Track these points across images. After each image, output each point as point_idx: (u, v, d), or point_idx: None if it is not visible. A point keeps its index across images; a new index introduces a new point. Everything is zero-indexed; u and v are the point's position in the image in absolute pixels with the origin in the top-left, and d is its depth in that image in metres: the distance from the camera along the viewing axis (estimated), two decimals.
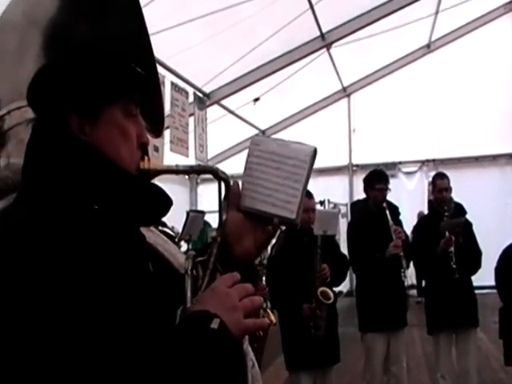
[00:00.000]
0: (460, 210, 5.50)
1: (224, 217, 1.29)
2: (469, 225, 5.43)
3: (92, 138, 1.15)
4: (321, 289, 4.55)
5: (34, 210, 1.06)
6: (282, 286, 4.61)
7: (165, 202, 1.23)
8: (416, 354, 8.04)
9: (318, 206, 12.38)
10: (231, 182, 1.30)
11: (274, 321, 4.41)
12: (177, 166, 1.28)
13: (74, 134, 1.14)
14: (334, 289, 4.84)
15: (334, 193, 14.06)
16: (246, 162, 1.36)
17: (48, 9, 1.22)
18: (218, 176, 1.28)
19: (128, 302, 1.01)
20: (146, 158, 1.21)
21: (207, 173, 1.31)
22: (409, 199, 12.52)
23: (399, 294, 5.30)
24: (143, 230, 1.27)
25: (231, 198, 1.32)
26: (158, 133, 1.39)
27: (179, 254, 1.32)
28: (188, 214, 6.35)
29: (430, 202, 5.69)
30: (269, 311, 4.39)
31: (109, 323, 0.97)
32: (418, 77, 14.55)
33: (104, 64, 1.16)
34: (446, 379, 5.34)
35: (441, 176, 5.57)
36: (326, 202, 13.15)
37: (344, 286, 11.47)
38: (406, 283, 5.30)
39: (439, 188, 5.45)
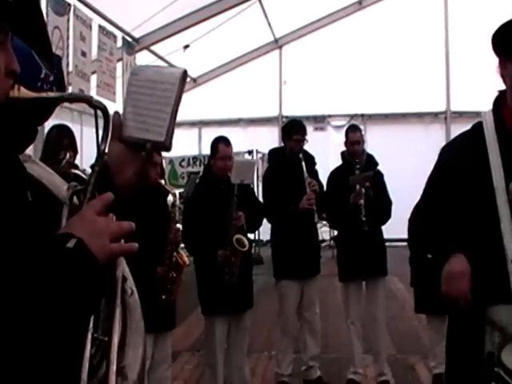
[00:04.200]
0: (371, 161, 5.55)
1: (103, 147, 1.29)
2: (380, 175, 5.50)
3: None
4: (236, 236, 4.61)
5: None
6: (197, 232, 4.63)
7: (30, 132, 1.24)
8: (335, 302, 8.21)
9: (246, 156, 12.47)
10: (109, 111, 1.30)
11: (188, 262, 4.45)
12: (47, 94, 1.28)
13: None
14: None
15: (263, 143, 14.00)
16: (126, 92, 1.40)
17: None
18: (93, 105, 1.28)
19: None
20: (16, 86, 1.19)
21: (80, 101, 1.29)
22: (337, 152, 12.58)
23: (312, 242, 5.47)
24: (28, 163, 1.28)
25: (113, 129, 1.33)
26: (47, 62, 1.39)
27: (65, 186, 1.31)
28: None
29: (342, 153, 5.65)
30: (182, 252, 4.42)
31: None
32: (349, 32, 14.65)
33: None
34: (355, 325, 5.50)
35: (353, 129, 5.61)
36: (255, 152, 13.23)
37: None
38: (324, 235, 5.40)
39: (351, 141, 5.47)
